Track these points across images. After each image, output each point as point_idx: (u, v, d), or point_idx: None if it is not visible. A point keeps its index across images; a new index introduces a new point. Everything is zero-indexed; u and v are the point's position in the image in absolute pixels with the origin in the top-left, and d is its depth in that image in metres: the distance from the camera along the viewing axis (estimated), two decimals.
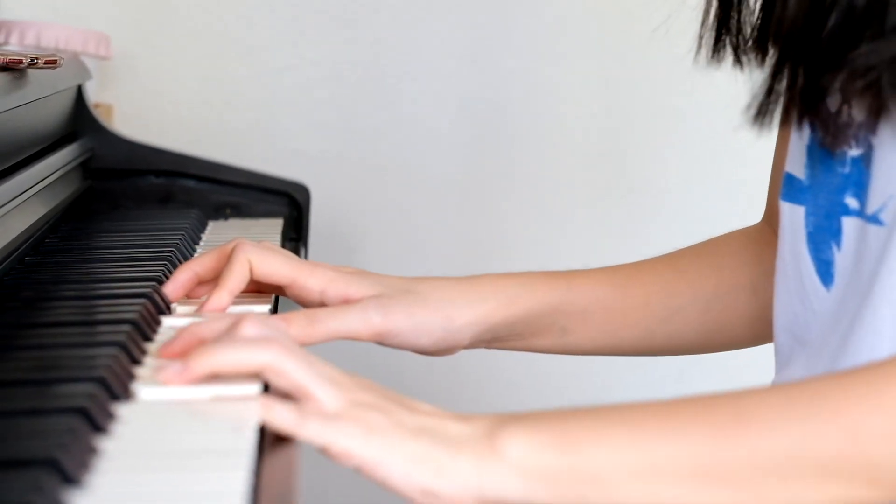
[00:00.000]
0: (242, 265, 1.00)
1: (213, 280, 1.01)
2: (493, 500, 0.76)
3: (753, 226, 1.10)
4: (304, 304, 1.03)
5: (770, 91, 0.84)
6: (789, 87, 0.84)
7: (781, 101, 0.84)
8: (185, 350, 0.84)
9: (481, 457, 0.76)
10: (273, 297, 1.03)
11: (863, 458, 0.73)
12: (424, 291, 1.03)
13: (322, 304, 1.01)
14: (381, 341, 1.02)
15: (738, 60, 0.89)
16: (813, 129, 0.85)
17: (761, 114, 0.85)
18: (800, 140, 0.89)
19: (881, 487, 0.74)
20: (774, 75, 0.84)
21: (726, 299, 1.07)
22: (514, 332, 1.06)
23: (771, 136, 0.87)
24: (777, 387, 0.79)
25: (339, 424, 0.76)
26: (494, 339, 1.06)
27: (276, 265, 1.01)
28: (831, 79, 0.80)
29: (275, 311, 0.87)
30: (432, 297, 1.03)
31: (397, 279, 1.04)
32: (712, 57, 0.91)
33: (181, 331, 0.86)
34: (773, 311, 0.94)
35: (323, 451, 0.76)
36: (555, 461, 0.75)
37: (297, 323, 0.96)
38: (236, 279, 0.99)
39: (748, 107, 0.85)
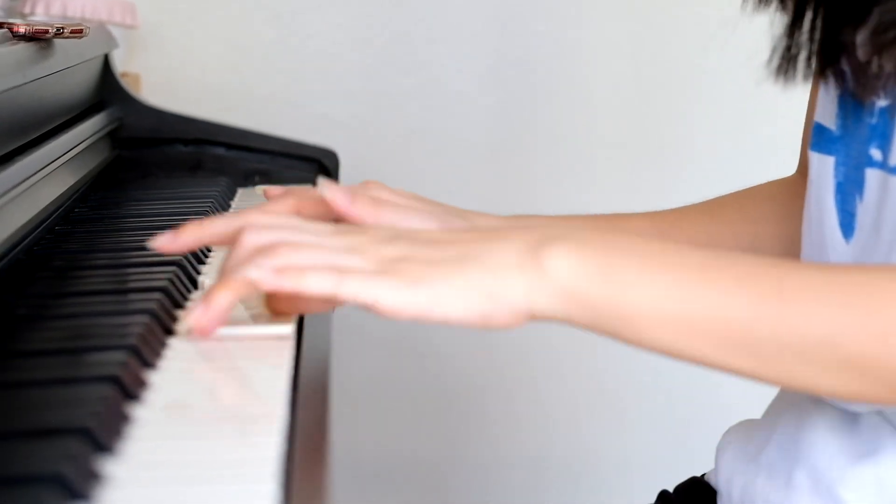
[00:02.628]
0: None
1: None
2: (542, 317, 0.77)
3: (788, 177, 1.09)
4: None
5: (790, 43, 0.84)
6: (810, 39, 0.83)
7: (803, 53, 0.84)
8: (192, 242, 0.86)
9: (527, 276, 0.76)
10: (296, 317, 0.98)
11: (887, 364, 0.73)
12: (478, 223, 1.02)
13: None
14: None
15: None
16: (842, 80, 0.85)
17: (782, 66, 0.84)
18: (829, 91, 0.88)
19: None
20: (793, 25, 0.83)
21: (764, 250, 1.06)
22: None
23: (796, 89, 0.87)
24: (824, 267, 0.78)
25: (381, 279, 0.76)
26: None
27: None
28: (853, 31, 0.79)
29: (299, 330, 0.86)
30: (484, 227, 1.03)
31: (454, 206, 1.02)
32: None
33: (192, 223, 0.86)
34: None
35: (370, 309, 0.76)
36: (596, 290, 0.75)
37: (363, 203, 0.91)
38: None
39: (769, 59, 0.85)
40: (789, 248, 1.06)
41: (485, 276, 0.76)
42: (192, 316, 0.81)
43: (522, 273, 0.76)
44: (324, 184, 0.91)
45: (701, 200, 1.10)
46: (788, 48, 0.84)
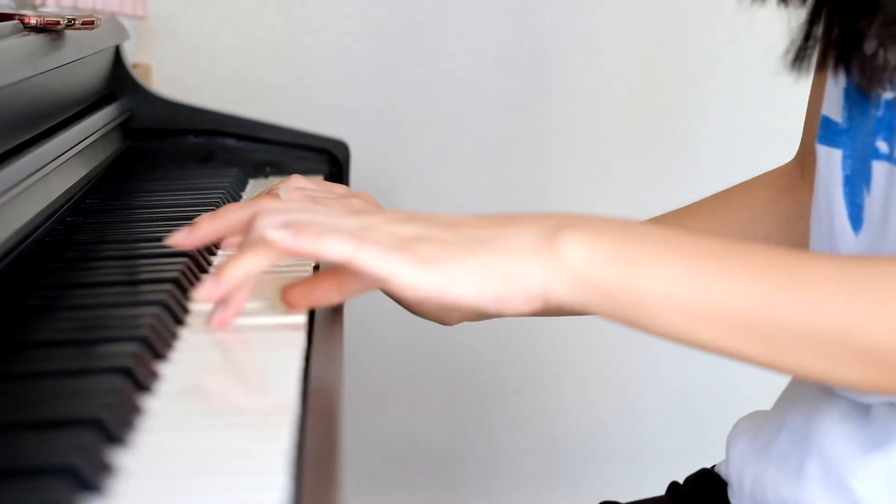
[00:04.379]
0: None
1: None
2: (557, 303, 0.77)
3: (781, 168, 1.08)
4: None
5: (808, 35, 0.84)
6: (826, 32, 0.83)
7: (819, 45, 0.84)
8: (209, 235, 0.85)
9: (543, 261, 0.76)
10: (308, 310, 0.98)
11: None
12: None
13: None
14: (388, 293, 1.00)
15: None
16: (849, 73, 0.85)
17: (799, 59, 0.85)
18: (836, 83, 0.88)
19: None
20: (812, 19, 0.83)
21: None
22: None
23: (809, 82, 0.87)
24: (838, 258, 0.78)
25: (398, 255, 0.76)
26: None
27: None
28: (867, 23, 0.79)
29: (310, 322, 0.87)
30: None
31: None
32: None
33: (206, 216, 0.86)
34: None
35: (384, 283, 0.76)
36: (611, 277, 0.75)
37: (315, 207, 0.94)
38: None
39: (786, 52, 0.85)
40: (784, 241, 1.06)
41: (500, 259, 0.76)
42: (203, 290, 0.81)
43: (538, 258, 0.76)
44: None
45: (684, 205, 1.10)
46: (806, 40, 0.84)
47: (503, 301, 0.76)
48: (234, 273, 0.80)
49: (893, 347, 0.73)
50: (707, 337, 0.75)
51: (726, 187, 1.11)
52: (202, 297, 0.81)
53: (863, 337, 0.73)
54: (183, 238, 0.86)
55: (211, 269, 1.01)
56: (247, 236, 0.81)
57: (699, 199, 1.10)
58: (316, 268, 1.03)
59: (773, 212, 1.05)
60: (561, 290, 0.76)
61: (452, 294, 0.76)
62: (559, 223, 0.77)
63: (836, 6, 0.82)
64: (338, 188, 1.07)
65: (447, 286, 0.76)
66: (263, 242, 0.79)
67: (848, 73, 0.84)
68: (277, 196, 0.99)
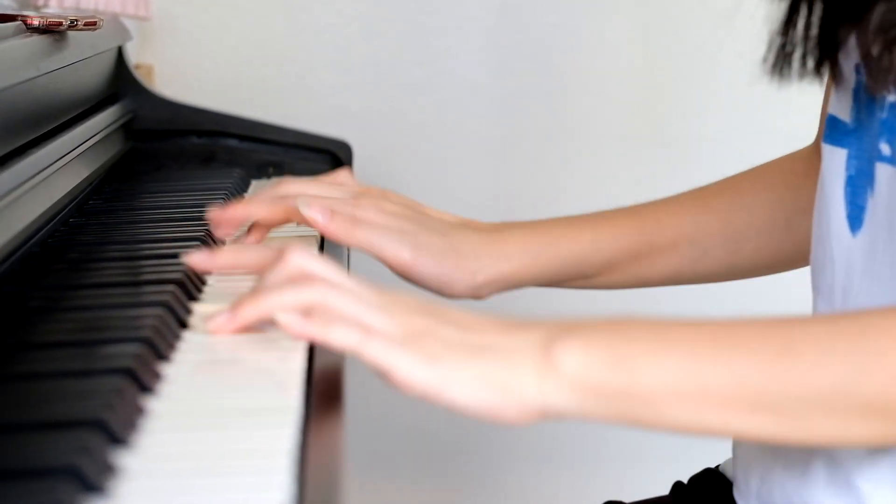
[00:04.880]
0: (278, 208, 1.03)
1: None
2: (555, 414, 0.77)
3: (798, 153, 1.08)
4: None
5: (785, 41, 0.84)
6: (805, 37, 0.83)
7: (798, 50, 0.84)
8: (228, 265, 0.88)
9: (540, 371, 0.76)
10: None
11: None
12: (457, 241, 1.04)
13: None
14: (403, 275, 1.03)
15: None
16: (840, 76, 0.85)
17: (778, 63, 0.85)
18: (846, 83, 0.88)
19: None
20: (788, 22, 0.84)
21: (759, 239, 1.07)
22: (538, 282, 1.08)
23: (795, 85, 0.87)
24: (828, 318, 0.79)
25: (402, 350, 0.76)
26: (519, 287, 1.07)
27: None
28: (849, 29, 0.79)
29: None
30: (461, 249, 1.04)
31: (431, 232, 1.04)
32: None
33: (230, 247, 0.87)
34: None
35: (384, 376, 0.76)
36: (606, 378, 0.75)
37: (341, 221, 0.99)
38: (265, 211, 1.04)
39: (765, 56, 0.85)
40: (786, 234, 1.06)
41: (498, 369, 0.76)
42: (216, 321, 0.82)
43: (534, 368, 0.76)
44: (303, 202, 0.97)
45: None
46: (783, 45, 0.84)
47: (496, 411, 0.76)
48: (250, 313, 0.81)
49: None
50: (715, 421, 0.76)
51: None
52: (213, 329, 0.82)
53: (866, 388, 0.73)
54: (202, 261, 0.88)
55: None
56: (271, 273, 0.82)
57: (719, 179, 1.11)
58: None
59: (794, 197, 1.05)
60: (559, 399, 0.76)
61: (448, 395, 0.76)
62: (556, 331, 0.77)
63: (812, 10, 0.82)
64: (341, 176, 1.07)
65: (443, 387, 0.76)
66: (286, 284, 0.80)
67: (834, 76, 0.84)
68: (288, 204, 1.01)
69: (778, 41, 0.85)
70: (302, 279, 0.80)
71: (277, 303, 0.79)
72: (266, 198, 1.04)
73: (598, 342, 0.77)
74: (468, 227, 1.06)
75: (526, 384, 0.76)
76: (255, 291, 0.82)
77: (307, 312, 0.78)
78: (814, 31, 0.83)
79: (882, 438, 0.76)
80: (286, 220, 1.04)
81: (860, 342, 0.74)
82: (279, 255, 0.82)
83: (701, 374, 0.75)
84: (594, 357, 0.76)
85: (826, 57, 0.83)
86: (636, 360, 0.76)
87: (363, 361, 0.77)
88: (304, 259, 0.81)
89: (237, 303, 0.82)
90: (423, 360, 0.76)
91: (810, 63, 0.84)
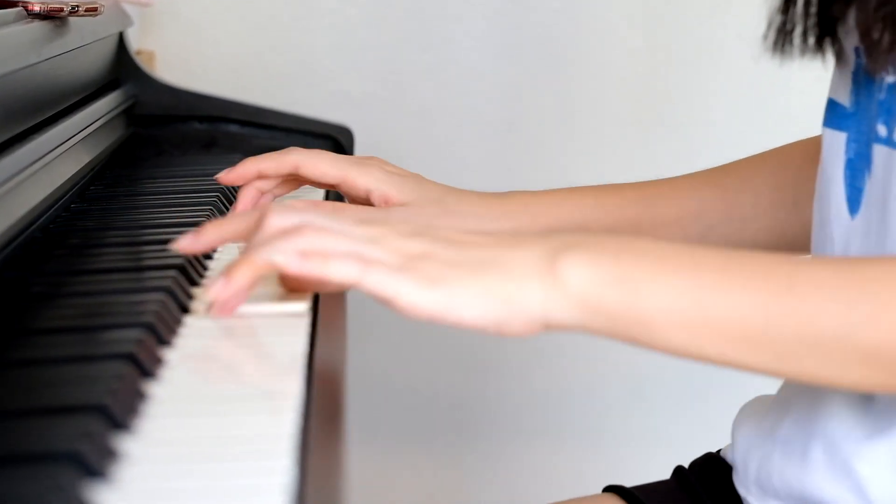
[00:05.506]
0: (286, 162, 1.08)
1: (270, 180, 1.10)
2: (557, 326, 0.77)
3: (810, 138, 1.08)
4: (354, 201, 1.10)
5: (785, 18, 0.84)
6: (804, 14, 0.83)
7: (798, 28, 0.84)
8: (215, 240, 0.87)
9: (545, 284, 0.76)
10: (312, 295, 1.00)
11: None
12: (453, 204, 1.07)
13: (368, 202, 1.07)
14: None
15: None
16: (841, 55, 0.85)
17: (779, 42, 0.85)
18: (845, 66, 0.88)
19: None
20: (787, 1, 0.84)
21: (764, 219, 1.07)
22: None
23: (814, 63, 0.87)
24: (835, 262, 0.79)
25: (403, 276, 0.76)
26: None
27: (324, 167, 1.08)
28: (844, 7, 0.80)
29: (314, 307, 0.87)
30: (459, 210, 1.06)
31: (434, 187, 1.09)
32: None
33: (212, 222, 0.87)
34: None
35: (388, 303, 0.76)
36: (611, 296, 0.76)
37: (324, 213, 1.00)
38: (272, 164, 1.08)
39: (765, 34, 0.85)
40: (793, 214, 1.06)
41: (503, 282, 0.76)
42: (213, 290, 0.81)
43: (540, 281, 0.76)
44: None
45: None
46: (784, 23, 0.84)
47: (503, 324, 0.77)
48: (244, 274, 0.80)
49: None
50: (711, 350, 0.76)
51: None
52: (212, 297, 0.81)
53: (865, 339, 0.73)
54: (188, 244, 0.87)
55: (215, 256, 1.01)
56: (256, 236, 0.81)
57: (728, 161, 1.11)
58: (314, 307, 1.04)
59: (802, 179, 1.05)
60: (562, 313, 0.77)
61: (454, 315, 0.76)
62: (560, 245, 0.78)
63: None
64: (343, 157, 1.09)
65: (448, 308, 0.76)
66: (274, 241, 0.80)
67: (835, 55, 0.84)
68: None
69: (778, 19, 0.85)
70: (290, 230, 0.80)
71: (268, 256, 0.79)
72: (273, 154, 1.09)
73: (604, 259, 0.77)
74: (463, 192, 1.09)
75: (531, 296, 0.76)
76: (244, 253, 0.81)
77: (302, 257, 0.78)
78: (813, 7, 0.83)
79: (874, 385, 0.76)
80: (293, 171, 1.07)
81: (864, 291, 0.74)
82: (261, 216, 0.82)
83: (703, 303, 0.75)
84: (599, 274, 0.76)
85: (826, 33, 0.83)
86: (640, 281, 0.76)
87: (365, 292, 0.77)
88: (283, 216, 0.81)
89: (230, 266, 0.81)
90: (425, 283, 0.76)
91: (811, 40, 0.84)
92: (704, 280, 0.76)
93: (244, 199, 1.09)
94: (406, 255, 0.77)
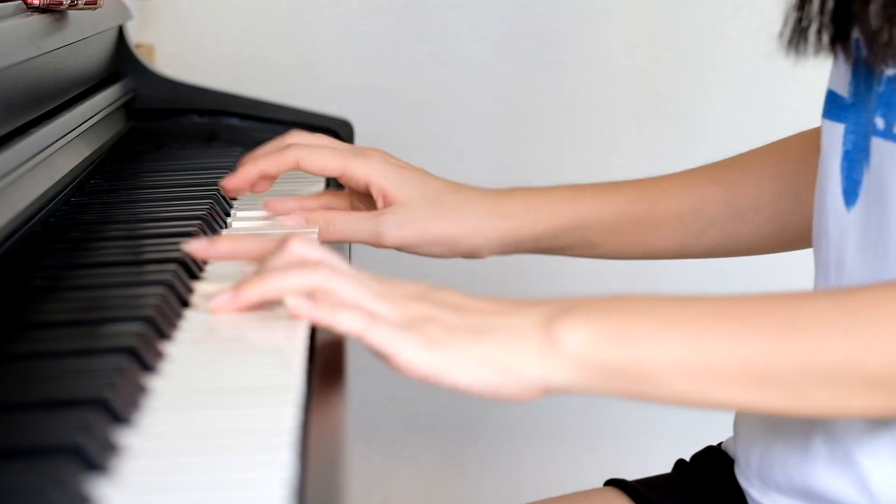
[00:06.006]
0: (286, 160, 1.07)
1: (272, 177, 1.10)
2: (558, 390, 0.77)
3: (811, 129, 1.08)
4: (353, 191, 1.11)
5: (801, 15, 0.84)
6: (820, 11, 0.83)
7: (814, 25, 0.84)
8: (227, 253, 0.87)
9: (542, 351, 0.77)
10: None
11: None
12: (451, 202, 1.07)
13: (367, 193, 1.08)
14: (399, 249, 1.08)
15: None
16: (853, 52, 0.85)
17: (794, 39, 0.85)
18: (846, 59, 0.88)
19: None
20: None
21: (766, 211, 1.07)
22: (539, 247, 1.09)
23: (808, 60, 0.87)
24: (831, 293, 0.79)
25: (405, 335, 0.77)
26: (519, 251, 1.08)
27: (324, 160, 1.07)
28: (863, 4, 0.79)
29: None
30: (456, 209, 1.06)
31: (434, 182, 1.10)
32: None
33: (229, 236, 0.87)
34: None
35: (386, 360, 0.77)
36: (610, 355, 0.76)
37: (315, 223, 1.04)
38: (272, 163, 1.07)
39: (781, 31, 0.85)
40: (795, 206, 1.05)
41: (499, 350, 0.77)
42: (219, 301, 0.82)
43: (537, 348, 0.77)
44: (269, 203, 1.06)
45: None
46: (800, 20, 0.84)
47: (498, 390, 0.77)
48: (253, 293, 0.81)
49: None
50: (719, 395, 0.76)
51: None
52: (215, 308, 0.82)
53: (867, 364, 0.74)
54: (201, 249, 0.87)
55: None
56: (274, 258, 0.82)
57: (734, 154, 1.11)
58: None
59: (804, 171, 1.05)
60: (562, 377, 0.77)
61: (449, 378, 0.77)
62: (556, 310, 0.78)
63: None
64: (343, 146, 1.10)
65: (443, 371, 0.77)
66: (290, 268, 0.81)
67: (845, 53, 0.84)
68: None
69: (794, 16, 0.85)
70: (305, 264, 0.80)
71: (281, 284, 0.80)
72: (272, 149, 1.08)
73: (598, 319, 0.77)
74: (463, 190, 1.09)
75: (528, 363, 0.77)
76: (258, 273, 0.82)
77: (310, 296, 0.78)
78: (829, 5, 0.83)
79: (883, 410, 0.76)
80: (294, 167, 1.07)
81: (861, 317, 0.75)
82: (281, 243, 0.83)
83: (704, 349, 0.76)
84: (595, 334, 0.77)
85: (841, 32, 0.83)
86: (638, 336, 0.76)
87: (366, 345, 0.77)
88: (306, 247, 0.82)
89: (240, 283, 0.82)
90: (424, 344, 0.77)
91: (825, 38, 0.84)
92: (703, 326, 0.76)
93: (239, 177, 1.09)
94: (410, 315, 0.78)
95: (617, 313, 0.78)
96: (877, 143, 0.84)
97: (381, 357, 0.77)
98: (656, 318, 0.77)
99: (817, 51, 0.85)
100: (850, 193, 0.87)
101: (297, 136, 1.09)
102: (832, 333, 0.74)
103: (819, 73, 1.02)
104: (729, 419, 1.00)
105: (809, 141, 1.06)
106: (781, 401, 0.76)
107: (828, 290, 0.88)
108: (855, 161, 0.86)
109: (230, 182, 1.07)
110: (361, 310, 0.77)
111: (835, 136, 0.88)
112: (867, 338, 0.74)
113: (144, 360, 0.73)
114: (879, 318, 0.74)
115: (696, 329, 0.76)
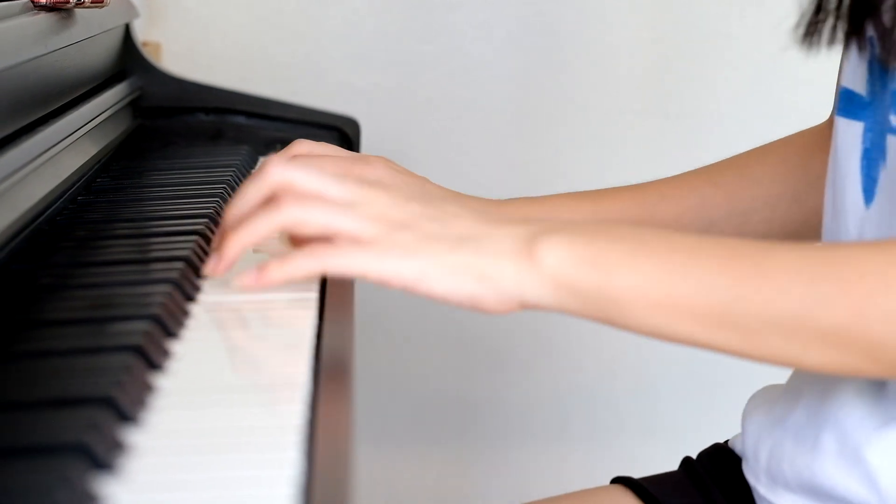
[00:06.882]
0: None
1: None
2: (533, 305, 0.79)
3: (811, 129, 1.08)
4: None
5: (819, 8, 0.84)
6: (837, 6, 0.84)
7: (830, 19, 0.84)
8: (232, 258, 0.87)
9: (521, 264, 0.78)
10: (318, 281, 0.99)
11: (865, 335, 0.74)
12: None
13: None
14: None
15: None
16: (867, 46, 0.85)
17: (810, 32, 0.85)
18: (861, 56, 0.88)
19: (880, 364, 0.75)
20: None
21: (765, 211, 1.07)
22: None
23: (818, 55, 0.87)
24: (805, 246, 0.80)
25: (374, 250, 0.78)
26: None
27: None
28: (877, 2, 0.79)
29: (322, 296, 0.87)
30: None
31: (436, 192, 1.06)
32: None
33: (226, 245, 0.88)
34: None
35: (363, 279, 0.78)
36: (583, 277, 0.78)
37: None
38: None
39: (797, 25, 0.85)
40: (793, 207, 1.05)
41: (477, 259, 0.79)
42: (243, 279, 0.83)
43: (515, 260, 0.78)
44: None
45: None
46: (816, 14, 0.85)
47: (476, 299, 0.79)
48: (277, 275, 0.82)
49: (856, 328, 0.74)
50: (682, 330, 0.78)
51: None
52: (239, 285, 0.83)
53: (825, 319, 0.74)
54: (215, 266, 0.86)
55: None
56: (249, 188, 0.85)
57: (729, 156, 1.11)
58: (321, 295, 1.05)
59: (804, 171, 1.05)
60: (536, 292, 0.79)
61: (425, 285, 0.78)
62: (540, 229, 0.80)
63: None
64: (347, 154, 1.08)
65: (419, 280, 0.78)
66: (257, 215, 0.82)
67: (860, 47, 0.84)
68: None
69: (811, 9, 0.85)
70: (272, 202, 0.82)
71: (251, 234, 0.82)
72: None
73: (579, 242, 0.79)
74: (460, 201, 1.07)
75: (504, 274, 0.78)
76: (229, 230, 0.84)
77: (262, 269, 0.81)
78: (846, 1, 0.83)
79: (840, 367, 0.77)
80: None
81: (827, 272, 0.75)
82: (260, 171, 0.85)
83: (672, 284, 0.77)
84: (573, 255, 0.78)
85: (857, 26, 0.83)
86: (612, 263, 0.78)
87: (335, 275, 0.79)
88: (280, 170, 0.83)
89: (267, 264, 0.82)
90: (397, 254, 0.78)
91: (840, 33, 0.84)
92: (674, 261, 0.78)
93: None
94: (386, 222, 0.79)
95: (597, 238, 0.79)
96: (892, 141, 0.84)
97: (359, 276, 0.79)
98: (633, 247, 0.79)
99: (830, 44, 0.86)
100: (869, 191, 0.87)
101: (302, 146, 1.05)
102: (793, 285, 0.75)
103: (826, 72, 1.02)
104: (736, 417, 1.00)
105: (808, 142, 1.06)
106: (739, 344, 0.77)
107: (804, 243, 0.88)
108: (873, 159, 0.86)
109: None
110: (314, 247, 0.79)
111: (852, 134, 0.88)
112: (826, 294, 0.74)
113: (151, 358, 0.73)
114: (845, 275, 0.74)
115: (668, 262, 0.78)
